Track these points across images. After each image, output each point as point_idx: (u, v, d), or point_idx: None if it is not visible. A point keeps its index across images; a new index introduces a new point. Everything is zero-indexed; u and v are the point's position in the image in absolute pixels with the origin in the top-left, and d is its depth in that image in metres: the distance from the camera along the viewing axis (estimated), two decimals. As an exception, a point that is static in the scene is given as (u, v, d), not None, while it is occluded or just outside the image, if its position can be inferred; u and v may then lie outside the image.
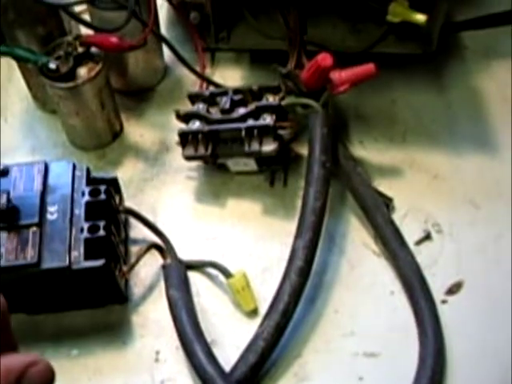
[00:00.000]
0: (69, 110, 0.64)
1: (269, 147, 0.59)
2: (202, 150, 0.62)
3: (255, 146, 0.60)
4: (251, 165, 0.64)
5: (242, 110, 0.62)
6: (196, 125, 0.62)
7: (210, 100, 0.64)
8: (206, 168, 0.68)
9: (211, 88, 0.69)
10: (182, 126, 0.63)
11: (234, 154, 0.62)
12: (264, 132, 0.59)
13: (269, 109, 0.60)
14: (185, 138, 0.62)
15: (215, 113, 0.63)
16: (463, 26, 0.78)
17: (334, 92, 0.59)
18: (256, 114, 0.60)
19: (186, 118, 0.63)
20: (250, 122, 0.60)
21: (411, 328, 0.57)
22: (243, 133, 0.59)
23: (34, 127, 0.72)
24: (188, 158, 0.63)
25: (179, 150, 0.64)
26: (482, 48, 0.79)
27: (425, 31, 0.63)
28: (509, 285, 0.59)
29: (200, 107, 0.64)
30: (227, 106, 0.62)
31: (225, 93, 0.64)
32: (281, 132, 0.60)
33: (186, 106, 0.65)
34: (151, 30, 0.63)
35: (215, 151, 0.62)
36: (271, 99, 0.62)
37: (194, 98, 0.65)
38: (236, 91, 0.63)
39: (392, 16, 0.61)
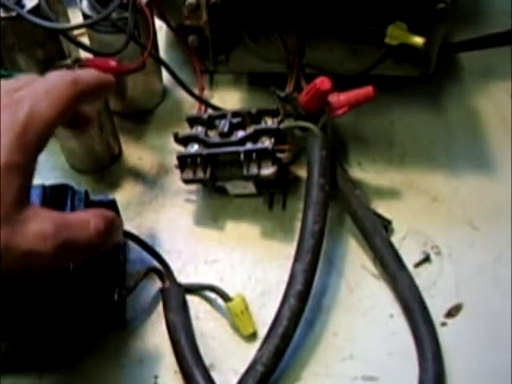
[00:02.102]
0: (67, 133, 0.64)
1: (267, 171, 0.59)
2: (200, 174, 0.62)
3: (254, 170, 0.60)
4: (250, 188, 0.64)
5: (240, 133, 0.62)
6: (194, 148, 0.62)
7: (209, 123, 0.64)
8: (204, 191, 0.68)
9: (210, 111, 0.69)
10: (181, 148, 0.64)
11: (232, 177, 0.62)
12: (263, 155, 0.60)
13: (267, 132, 0.60)
14: (183, 162, 0.62)
15: (214, 136, 0.63)
16: (461, 47, 0.78)
17: (333, 115, 0.59)
18: (255, 137, 0.61)
19: (184, 141, 0.63)
20: (249, 146, 0.60)
21: (410, 351, 0.57)
22: (242, 156, 0.59)
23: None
24: (186, 182, 0.63)
25: (178, 172, 0.64)
26: (479, 69, 0.80)
27: (423, 53, 0.63)
28: (508, 306, 0.59)
29: (199, 130, 0.64)
30: (226, 129, 0.62)
31: (223, 116, 0.64)
32: (279, 155, 0.60)
33: (185, 129, 0.66)
34: (150, 53, 0.63)
35: (214, 174, 0.62)
36: (270, 122, 0.62)
37: (192, 121, 0.65)
38: (234, 114, 0.63)
39: (390, 39, 0.61)
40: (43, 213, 0.41)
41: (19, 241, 0.38)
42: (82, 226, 0.43)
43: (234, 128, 0.62)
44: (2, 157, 0.38)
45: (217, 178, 0.63)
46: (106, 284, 0.54)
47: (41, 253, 0.39)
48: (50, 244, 0.40)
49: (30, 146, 0.40)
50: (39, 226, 0.40)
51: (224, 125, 0.62)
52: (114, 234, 0.46)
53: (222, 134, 0.62)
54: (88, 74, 0.46)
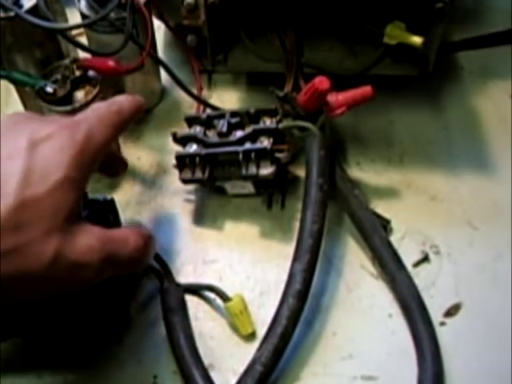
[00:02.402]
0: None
1: (266, 170, 0.59)
2: (199, 174, 0.62)
3: (252, 170, 0.60)
4: (249, 188, 0.64)
5: (239, 133, 0.62)
6: (193, 148, 0.62)
7: (207, 123, 0.64)
8: (203, 191, 0.68)
9: (208, 111, 0.69)
10: (179, 148, 0.64)
11: (231, 177, 0.62)
12: (261, 155, 0.60)
13: (266, 132, 0.60)
14: (182, 162, 0.62)
15: (212, 136, 0.63)
16: (459, 47, 0.78)
17: (332, 115, 0.59)
18: (253, 136, 0.61)
19: (182, 141, 0.63)
20: (248, 146, 0.60)
21: (409, 351, 0.57)
22: (240, 156, 0.59)
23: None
24: (185, 182, 0.63)
25: (177, 172, 0.64)
26: (478, 68, 0.80)
27: (421, 53, 0.63)
28: (508, 306, 0.59)
29: (197, 130, 0.64)
30: (224, 129, 0.62)
31: (222, 115, 0.64)
32: (278, 155, 0.60)
33: (184, 129, 0.66)
34: (148, 53, 0.63)
35: (212, 174, 0.62)
36: (268, 122, 0.62)
37: (191, 121, 0.65)
38: (233, 114, 0.63)
39: (389, 38, 0.61)
40: (91, 227, 0.45)
41: (69, 251, 0.42)
42: (123, 242, 0.47)
43: (232, 128, 0.62)
44: (62, 171, 0.42)
45: (215, 178, 0.63)
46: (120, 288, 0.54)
47: (87, 265, 0.43)
48: (96, 257, 0.43)
49: (85, 164, 0.44)
50: (88, 240, 0.43)
51: (222, 125, 0.62)
52: (150, 251, 0.51)
53: (220, 134, 0.62)
54: (128, 102, 0.52)
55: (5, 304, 0.43)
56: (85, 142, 0.45)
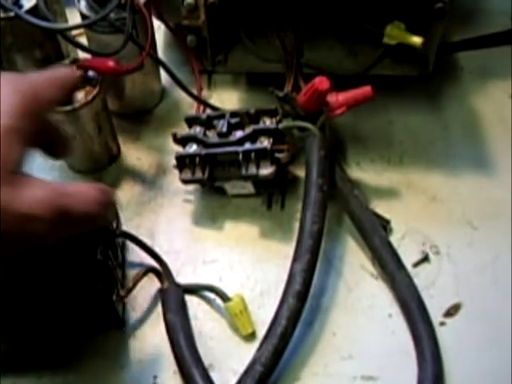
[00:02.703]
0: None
1: (266, 171, 0.59)
2: (199, 174, 0.62)
3: (252, 170, 0.60)
4: (248, 188, 0.64)
5: (239, 134, 0.62)
6: (193, 148, 0.62)
7: (207, 123, 0.64)
8: (203, 191, 0.68)
9: (208, 111, 0.69)
10: (179, 149, 0.64)
11: (231, 177, 0.62)
12: (261, 155, 0.60)
13: (266, 132, 0.60)
14: (182, 162, 0.62)
15: (212, 136, 0.63)
16: (459, 47, 0.78)
17: (331, 115, 0.60)
18: (253, 137, 0.61)
19: (182, 141, 0.63)
20: (247, 146, 0.60)
21: (409, 351, 0.57)
22: (240, 156, 0.59)
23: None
24: (185, 182, 0.63)
25: (176, 173, 0.64)
26: (478, 69, 0.80)
27: (421, 53, 0.63)
28: (507, 306, 0.59)
29: (197, 130, 0.64)
30: (224, 129, 0.62)
31: (222, 116, 0.64)
32: (278, 155, 0.60)
33: (183, 129, 0.66)
34: (148, 53, 0.63)
35: (212, 175, 0.62)
36: (268, 122, 0.62)
37: (191, 122, 0.65)
38: (233, 114, 0.63)
39: (388, 38, 0.61)
40: (41, 181, 0.41)
41: (18, 203, 0.39)
42: (79, 196, 0.43)
43: (232, 128, 0.62)
44: (6, 120, 0.39)
45: (215, 178, 0.63)
46: (105, 285, 0.54)
47: (38, 217, 0.39)
48: (47, 209, 0.40)
49: (31, 116, 0.41)
50: (37, 191, 0.40)
51: (222, 125, 0.62)
52: (109, 209, 0.46)
53: (220, 134, 0.62)
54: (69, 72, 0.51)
55: None
56: (30, 94, 0.42)
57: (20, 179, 0.40)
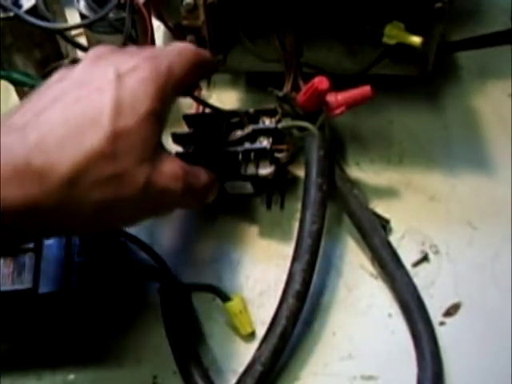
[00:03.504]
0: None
1: (265, 170, 0.59)
2: None
3: (252, 170, 0.59)
4: (248, 188, 0.63)
5: (238, 133, 0.62)
6: (193, 148, 0.62)
7: (207, 122, 0.64)
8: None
9: (207, 111, 0.69)
10: (179, 148, 0.63)
11: (230, 177, 0.62)
12: (261, 155, 0.59)
13: (265, 132, 0.60)
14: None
15: (212, 136, 0.63)
16: (459, 46, 0.78)
17: (331, 115, 0.59)
18: (252, 137, 0.60)
19: (182, 141, 0.63)
20: (247, 146, 0.60)
21: (409, 350, 0.57)
22: (240, 156, 0.59)
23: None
24: None
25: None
26: (477, 68, 0.79)
27: (421, 53, 0.63)
28: (507, 305, 0.59)
29: (197, 130, 0.64)
30: (224, 129, 0.62)
31: (221, 115, 0.64)
32: (277, 155, 0.60)
33: (183, 128, 0.65)
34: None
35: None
36: (267, 122, 0.62)
37: (190, 121, 0.65)
38: (232, 114, 0.63)
39: (388, 38, 0.61)
40: (174, 157, 0.48)
41: (158, 178, 0.45)
42: (197, 176, 0.51)
43: (231, 128, 0.62)
44: (148, 104, 0.44)
45: None
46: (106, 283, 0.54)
47: (172, 191, 0.47)
48: (180, 184, 0.47)
49: (168, 97, 0.47)
50: (173, 168, 0.47)
51: (222, 125, 0.62)
52: (214, 191, 0.55)
53: (220, 134, 0.62)
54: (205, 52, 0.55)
55: (101, 227, 0.46)
56: (167, 75, 0.46)
57: (160, 156, 0.46)
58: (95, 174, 0.41)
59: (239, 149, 0.60)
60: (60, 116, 0.42)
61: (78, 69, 0.46)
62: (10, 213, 0.38)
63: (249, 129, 0.61)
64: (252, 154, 0.59)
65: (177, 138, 0.64)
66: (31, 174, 0.39)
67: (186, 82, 0.50)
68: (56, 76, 0.46)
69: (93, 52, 0.48)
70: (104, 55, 0.47)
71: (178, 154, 0.62)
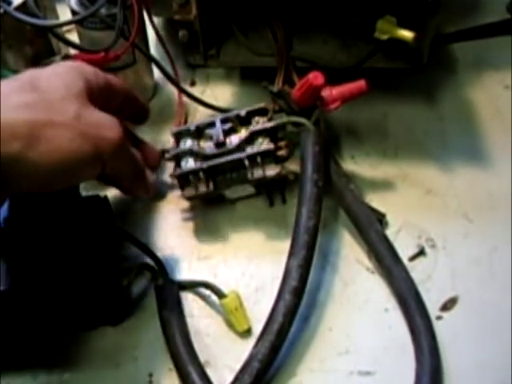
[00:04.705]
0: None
1: (272, 171, 0.59)
2: (203, 188, 0.61)
3: (259, 173, 0.59)
4: (249, 190, 0.63)
5: (234, 139, 0.61)
6: (190, 163, 0.61)
7: (198, 134, 0.63)
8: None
9: (196, 122, 0.66)
10: (174, 148, 0.63)
11: (234, 183, 0.61)
12: (265, 157, 0.59)
13: (262, 132, 0.60)
14: (185, 179, 0.61)
15: (208, 147, 0.62)
16: (454, 38, 0.78)
17: (326, 110, 0.59)
18: (250, 139, 0.60)
19: (176, 157, 0.62)
20: (250, 150, 0.60)
21: (407, 345, 0.56)
22: (246, 162, 0.59)
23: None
24: (189, 199, 0.63)
25: (170, 167, 0.63)
26: (473, 60, 0.79)
27: (414, 46, 0.63)
28: (504, 298, 0.59)
29: (188, 144, 0.63)
30: (221, 137, 0.61)
31: (212, 124, 0.62)
32: (279, 153, 0.60)
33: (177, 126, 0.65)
34: (136, 45, 0.63)
35: (216, 186, 0.61)
36: (260, 121, 0.61)
37: (179, 136, 0.64)
38: (223, 120, 0.62)
39: (379, 33, 0.61)
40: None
41: (90, 114, 0.50)
42: (134, 153, 0.57)
43: (226, 134, 0.61)
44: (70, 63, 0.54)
45: (219, 188, 0.62)
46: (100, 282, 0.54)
47: (108, 135, 0.50)
48: (116, 134, 0.51)
49: (92, 69, 0.54)
50: (111, 118, 0.52)
51: (218, 134, 0.61)
52: (142, 185, 0.60)
53: (218, 144, 0.61)
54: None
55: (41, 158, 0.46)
56: (88, 70, 0.53)
57: (90, 105, 0.50)
58: (19, 98, 0.45)
59: (243, 155, 0.59)
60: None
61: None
62: None
63: (246, 132, 0.60)
64: (258, 158, 0.59)
65: (169, 157, 0.63)
66: None
67: (108, 89, 0.55)
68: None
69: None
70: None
71: (178, 173, 0.61)
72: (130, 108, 0.60)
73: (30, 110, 0.45)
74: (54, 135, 0.45)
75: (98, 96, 0.52)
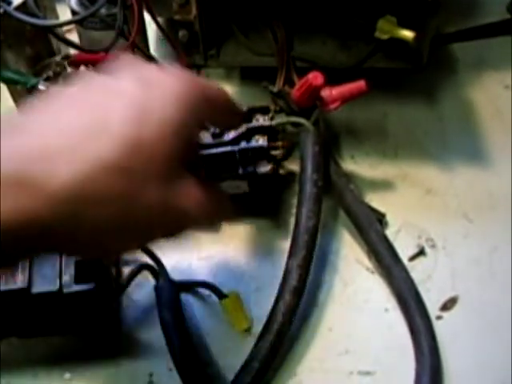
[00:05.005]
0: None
1: (264, 168, 0.59)
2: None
3: (250, 169, 0.59)
4: (244, 187, 0.63)
5: (232, 133, 0.61)
6: None
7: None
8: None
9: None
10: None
11: (227, 177, 0.61)
12: (258, 154, 0.59)
13: (260, 130, 0.60)
14: None
15: (205, 137, 0.62)
16: (454, 38, 0.78)
17: (325, 110, 0.59)
18: (247, 135, 0.60)
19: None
20: (244, 145, 0.60)
21: (407, 345, 0.56)
22: (237, 155, 0.59)
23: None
24: None
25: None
26: (473, 60, 0.79)
27: (414, 46, 0.63)
28: (504, 298, 0.59)
29: None
30: (218, 129, 0.61)
31: None
32: (273, 152, 0.60)
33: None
34: (136, 45, 0.63)
35: (208, 177, 0.61)
36: (261, 120, 0.61)
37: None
38: None
39: (380, 33, 0.61)
40: (195, 179, 0.42)
41: (176, 202, 0.39)
42: (219, 199, 0.46)
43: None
44: (176, 118, 0.38)
45: (210, 178, 0.62)
46: (99, 283, 0.54)
47: (190, 217, 0.41)
48: (200, 210, 0.41)
49: (196, 117, 0.41)
50: (194, 192, 0.41)
51: None
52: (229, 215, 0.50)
53: (214, 135, 0.61)
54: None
55: (99, 252, 0.41)
56: (200, 90, 0.41)
57: (180, 177, 0.40)
58: (101, 189, 0.35)
59: (236, 148, 0.59)
60: (72, 117, 0.36)
61: (103, 74, 0.40)
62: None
63: (243, 128, 0.60)
64: (249, 153, 0.59)
65: None
66: (25, 184, 0.33)
67: (211, 114, 0.43)
68: (78, 80, 0.40)
69: (120, 58, 0.42)
70: (129, 62, 0.41)
71: None
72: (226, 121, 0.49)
73: (110, 208, 0.36)
74: (120, 235, 0.38)
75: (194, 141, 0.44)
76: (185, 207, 0.40)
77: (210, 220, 0.44)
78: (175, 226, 0.41)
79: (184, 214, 0.40)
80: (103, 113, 0.36)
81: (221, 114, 0.44)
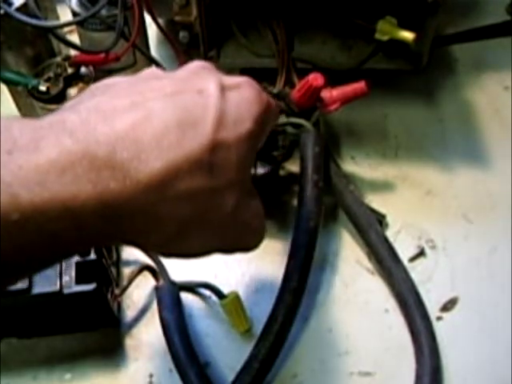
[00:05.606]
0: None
1: (263, 169, 0.59)
2: None
3: None
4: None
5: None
6: None
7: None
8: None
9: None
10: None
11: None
12: (258, 155, 0.59)
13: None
14: None
15: None
16: (454, 39, 0.78)
17: (326, 111, 0.59)
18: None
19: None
20: None
21: (407, 346, 0.56)
22: None
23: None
24: None
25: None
26: (472, 61, 0.79)
27: (415, 47, 0.63)
28: (504, 299, 0.59)
29: None
30: None
31: None
32: (273, 153, 0.60)
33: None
34: (136, 46, 0.63)
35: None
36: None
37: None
38: None
39: (380, 34, 0.61)
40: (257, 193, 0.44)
41: (243, 209, 0.40)
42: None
43: None
44: (250, 125, 0.39)
45: None
46: (99, 283, 0.54)
47: (252, 230, 0.43)
48: (261, 225, 0.44)
49: (266, 124, 0.42)
50: (259, 205, 0.44)
51: None
52: None
53: None
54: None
55: (171, 251, 0.42)
56: (269, 103, 0.42)
57: (250, 187, 0.42)
58: (188, 182, 0.35)
59: None
60: (161, 106, 0.36)
61: (179, 70, 0.41)
62: (80, 213, 0.32)
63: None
64: None
65: None
66: (112, 167, 0.33)
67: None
68: (148, 71, 0.41)
69: (196, 62, 0.42)
70: (207, 66, 0.42)
71: None
72: None
73: (191, 203, 0.36)
74: (196, 234, 0.39)
75: None
76: (249, 219, 0.42)
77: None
78: (238, 237, 0.42)
79: (247, 227, 0.42)
80: (190, 105, 0.36)
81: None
